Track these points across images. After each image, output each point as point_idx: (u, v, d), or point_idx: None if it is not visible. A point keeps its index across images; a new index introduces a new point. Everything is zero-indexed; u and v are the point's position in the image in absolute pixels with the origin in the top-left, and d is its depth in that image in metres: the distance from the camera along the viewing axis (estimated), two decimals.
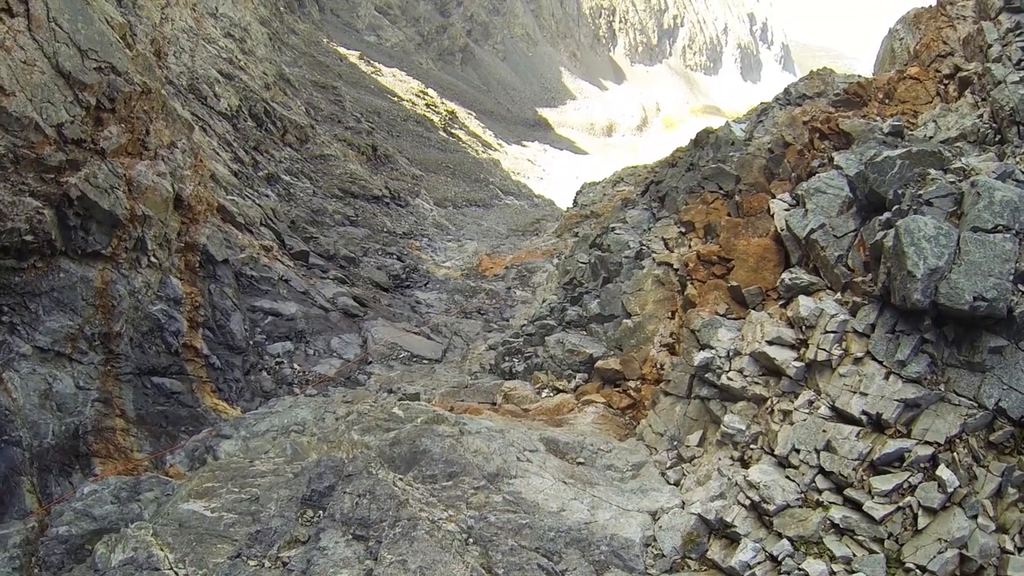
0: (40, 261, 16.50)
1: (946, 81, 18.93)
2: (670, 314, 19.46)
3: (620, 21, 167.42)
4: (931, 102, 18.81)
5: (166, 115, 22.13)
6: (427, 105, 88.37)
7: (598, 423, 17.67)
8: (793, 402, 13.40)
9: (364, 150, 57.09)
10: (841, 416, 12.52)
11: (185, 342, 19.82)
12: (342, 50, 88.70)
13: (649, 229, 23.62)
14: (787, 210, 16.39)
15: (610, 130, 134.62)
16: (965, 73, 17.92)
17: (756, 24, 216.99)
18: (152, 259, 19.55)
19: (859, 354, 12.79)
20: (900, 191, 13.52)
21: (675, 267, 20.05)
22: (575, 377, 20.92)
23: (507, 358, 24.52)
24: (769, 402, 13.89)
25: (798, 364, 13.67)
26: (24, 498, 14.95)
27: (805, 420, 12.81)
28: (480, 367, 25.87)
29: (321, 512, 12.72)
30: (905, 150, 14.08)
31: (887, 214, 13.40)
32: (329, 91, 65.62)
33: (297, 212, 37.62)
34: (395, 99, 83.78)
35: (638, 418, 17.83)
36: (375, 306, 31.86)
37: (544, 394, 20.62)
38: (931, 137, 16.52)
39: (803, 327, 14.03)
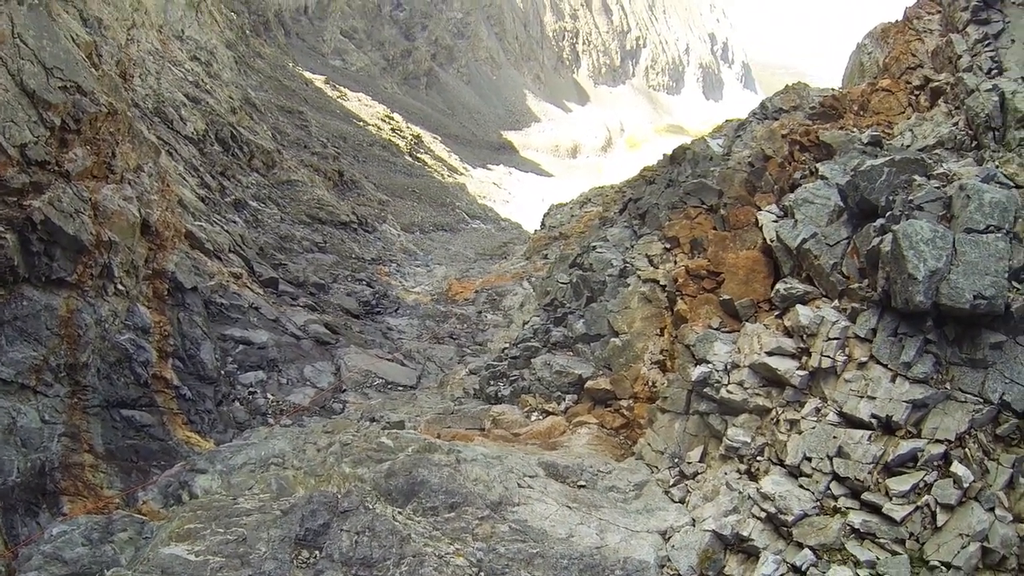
0: (2, 288, 15.67)
1: (917, 92, 19.57)
2: (659, 331, 19.40)
3: (583, 43, 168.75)
4: (904, 112, 19.46)
5: (132, 138, 21.42)
6: (393, 130, 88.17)
7: (593, 444, 17.52)
8: (799, 411, 13.46)
9: (331, 175, 56.53)
10: (850, 421, 12.58)
11: (155, 373, 18.97)
12: (308, 74, 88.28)
13: (632, 247, 23.49)
14: (775, 221, 16.48)
15: (575, 151, 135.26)
16: (936, 83, 18.53)
17: (717, 44, 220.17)
18: (119, 286, 18.71)
19: (863, 359, 12.95)
20: (891, 197, 13.84)
21: (662, 283, 19.99)
22: (564, 399, 20.66)
23: (492, 382, 24.06)
24: (773, 413, 13.95)
25: (801, 373, 13.72)
26: None
27: (814, 428, 12.84)
28: (463, 392, 25.28)
29: (317, 552, 12.07)
30: (889, 158, 14.41)
31: (880, 220, 13.61)
32: (295, 116, 65.03)
33: (265, 238, 36.89)
34: (361, 124, 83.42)
35: (633, 437, 17.78)
36: (347, 333, 31.21)
37: (534, 417, 20.26)
38: (908, 145, 16.98)
39: (803, 336, 14.09)
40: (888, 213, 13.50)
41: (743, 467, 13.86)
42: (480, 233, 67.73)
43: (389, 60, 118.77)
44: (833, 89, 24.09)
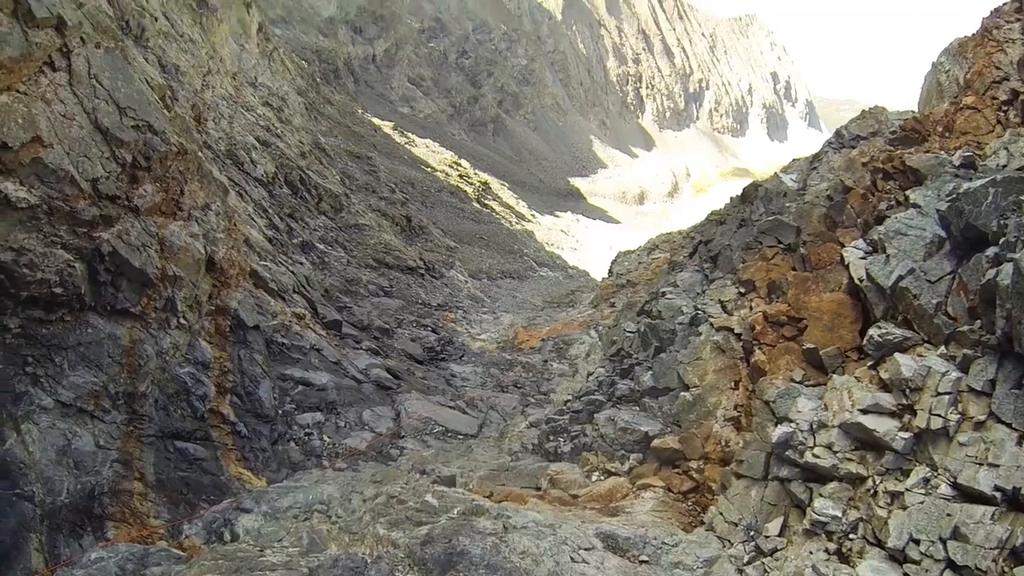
0: (68, 315, 15.83)
1: (1005, 107, 17.85)
2: (733, 384, 17.91)
3: (647, 87, 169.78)
4: (993, 130, 17.64)
5: (201, 177, 21.69)
6: (460, 176, 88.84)
7: (658, 511, 15.91)
8: (903, 481, 11.56)
9: (398, 220, 56.92)
10: (967, 495, 10.64)
11: (212, 407, 18.94)
12: (376, 121, 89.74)
13: (703, 292, 22.22)
14: (863, 258, 14.89)
15: (641, 198, 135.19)
16: None
17: (779, 82, 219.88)
18: (182, 321, 18.83)
19: (981, 417, 11.02)
20: (1003, 222, 11.91)
21: (737, 331, 18.55)
22: (628, 458, 19.19)
23: (551, 437, 22.64)
24: (869, 482, 12.05)
25: (905, 435, 11.81)
26: (31, 556, 13.96)
27: (922, 503, 10.90)
28: (521, 446, 24.21)
29: None
30: (990, 179, 12.55)
31: (993, 249, 11.79)
32: (364, 161, 65.88)
33: (331, 281, 37.04)
34: (429, 170, 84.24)
35: (702, 503, 16.20)
36: (409, 378, 30.91)
37: (594, 478, 18.88)
38: (1005, 165, 14.88)
39: (905, 390, 12.21)
40: (1002, 240, 11.57)
41: (832, 546, 11.96)
42: (547, 281, 67.33)
43: (456, 107, 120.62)
44: (913, 112, 22.64)
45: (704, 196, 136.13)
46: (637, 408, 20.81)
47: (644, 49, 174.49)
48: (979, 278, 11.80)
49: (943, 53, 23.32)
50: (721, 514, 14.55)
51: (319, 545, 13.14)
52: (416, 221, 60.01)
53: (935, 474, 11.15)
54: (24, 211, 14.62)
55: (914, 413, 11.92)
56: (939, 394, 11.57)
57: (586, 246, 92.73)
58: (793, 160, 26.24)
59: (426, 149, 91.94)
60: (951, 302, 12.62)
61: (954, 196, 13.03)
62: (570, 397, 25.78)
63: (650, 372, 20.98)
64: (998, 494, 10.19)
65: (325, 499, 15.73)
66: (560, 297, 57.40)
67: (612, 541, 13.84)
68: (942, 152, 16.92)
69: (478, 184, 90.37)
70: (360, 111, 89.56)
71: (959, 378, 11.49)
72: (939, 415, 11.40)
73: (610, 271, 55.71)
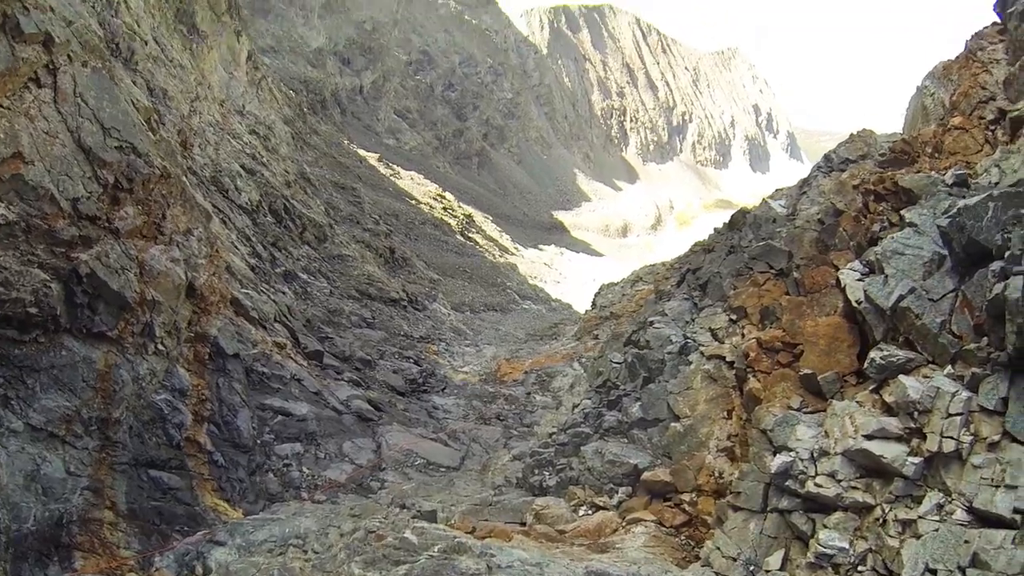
0: (43, 336, 15.46)
1: (992, 127, 17.65)
2: (726, 413, 17.51)
3: (631, 120, 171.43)
4: (981, 150, 17.37)
5: (184, 201, 21.41)
6: (444, 208, 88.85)
7: (650, 546, 15.22)
8: (914, 508, 10.95)
9: (382, 252, 56.73)
10: (985, 520, 10.10)
11: (188, 436, 18.47)
12: (362, 152, 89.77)
13: (692, 320, 21.67)
14: (860, 279, 14.36)
15: (625, 230, 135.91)
16: (1016, 113, 16.27)
17: (761, 115, 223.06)
18: (159, 346, 18.43)
19: (995, 437, 10.46)
20: (1006, 236, 11.52)
21: (729, 359, 18.17)
22: (617, 491, 18.61)
23: (536, 471, 22.04)
24: (878, 511, 11.45)
25: (915, 460, 11.22)
26: None
27: (937, 530, 10.33)
28: (505, 480, 23.57)
29: None
30: (987, 194, 12.22)
31: (998, 263, 11.27)
32: (348, 192, 65.71)
33: (313, 311, 36.64)
34: (413, 202, 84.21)
35: (696, 537, 15.63)
36: (390, 410, 30.49)
37: (582, 512, 18.24)
38: (997, 183, 14.42)
39: (913, 413, 11.63)
40: (1007, 253, 11.13)
41: None
42: (531, 313, 67.21)
43: (441, 140, 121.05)
44: (901, 134, 22.58)
45: (687, 228, 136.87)
46: (625, 440, 20.26)
47: (628, 83, 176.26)
48: (984, 294, 11.43)
49: (927, 77, 23.30)
50: (718, 548, 13.91)
51: None
52: (399, 253, 59.81)
53: (949, 499, 10.63)
54: (1, 228, 14.33)
55: (923, 437, 11.42)
56: (950, 415, 11.09)
57: (569, 279, 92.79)
58: (777, 189, 25.93)
59: (411, 181, 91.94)
60: (955, 320, 12.19)
61: (954, 212, 12.64)
62: (555, 429, 25.29)
63: (638, 403, 20.45)
64: (1018, 517, 9.74)
65: (301, 533, 15.22)
66: (543, 330, 57.30)
67: None
68: (933, 172, 16.71)
69: (462, 217, 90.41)
70: (346, 142, 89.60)
71: (969, 398, 11.04)
72: (951, 437, 10.91)
73: (593, 303, 55.62)
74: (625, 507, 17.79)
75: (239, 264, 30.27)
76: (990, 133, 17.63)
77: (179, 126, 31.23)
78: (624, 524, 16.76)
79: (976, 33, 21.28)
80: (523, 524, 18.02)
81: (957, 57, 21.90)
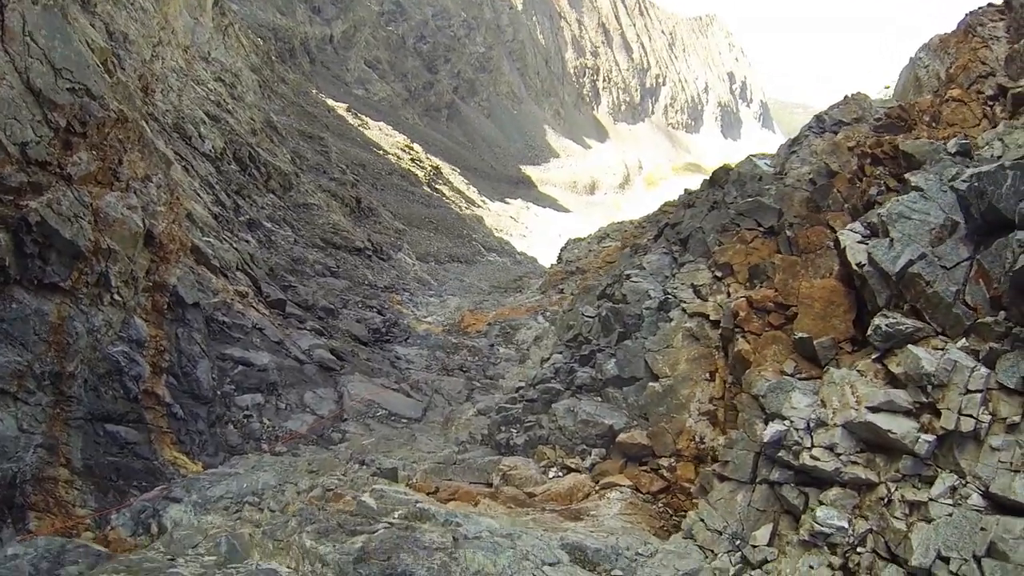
0: None
1: (991, 102, 17.54)
2: (708, 375, 16.73)
3: (604, 80, 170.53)
4: (979, 124, 17.09)
5: (143, 147, 20.82)
6: (412, 160, 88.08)
7: (627, 514, 14.40)
8: (924, 489, 10.32)
9: (348, 202, 56.10)
10: (1002, 506, 9.53)
11: (146, 388, 18.10)
12: (330, 102, 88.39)
13: (673, 276, 20.77)
14: (862, 242, 13.61)
15: (593, 188, 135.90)
16: (1020, 90, 16.04)
17: (736, 83, 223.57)
18: (116, 297, 17.94)
19: (1015, 418, 9.87)
20: None
21: (712, 318, 17.45)
22: (590, 453, 17.67)
23: (503, 428, 20.94)
24: (882, 489, 10.82)
25: (928, 438, 10.56)
26: None
27: (951, 515, 9.72)
28: (469, 436, 22.83)
29: None
30: (1003, 163, 11.71)
31: (1022, 233, 10.66)
32: (316, 141, 64.72)
33: (277, 260, 36.19)
34: (381, 152, 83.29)
35: (674, 505, 14.94)
36: (353, 360, 30.30)
37: (552, 474, 17.37)
38: (1000, 156, 13.78)
39: (927, 387, 10.93)
40: None
41: (836, 560, 10.67)
42: (495, 266, 67.22)
43: (411, 91, 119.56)
44: (897, 101, 22.47)
45: (656, 189, 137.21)
46: (599, 399, 19.35)
47: (603, 43, 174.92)
48: (1003, 264, 10.86)
49: (922, 48, 23.41)
50: (702, 520, 13.15)
51: (238, 553, 11.70)
52: (366, 203, 59.25)
53: (963, 482, 10.03)
54: None
55: (935, 412, 10.77)
56: (969, 392, 10.41)
57: (535, 233, 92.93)
58: (750, 156, 25.51)
59: (379, 132, 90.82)
60: (969, 290, 11.54)
61: (973, 177, 11.92)
62: (523, 384, 24.32)
63: (613, 360, 19.43)
64: None
65: (259, 489, 14.87)
66: (508, 282, 57.39)
67: (580, 553, 12.25)
68: (934, 140, 16.27)
69: (429, 168, 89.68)
70: (314, 91, 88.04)
71: (988, 375, 10.43)
72: (970, 416, 10.23)
73: (559, 258, 55.74)
74: (599, 470, 17.03)
75: (201, 212, 29.71)
76: (988, 108, 17.46)
77: (140, 71, 30.30)
78: (598, 488, 16.06)
79: (976, 10, 21.31)
80: (490, 485, 17.24)
81: (955, 31, 21.95)
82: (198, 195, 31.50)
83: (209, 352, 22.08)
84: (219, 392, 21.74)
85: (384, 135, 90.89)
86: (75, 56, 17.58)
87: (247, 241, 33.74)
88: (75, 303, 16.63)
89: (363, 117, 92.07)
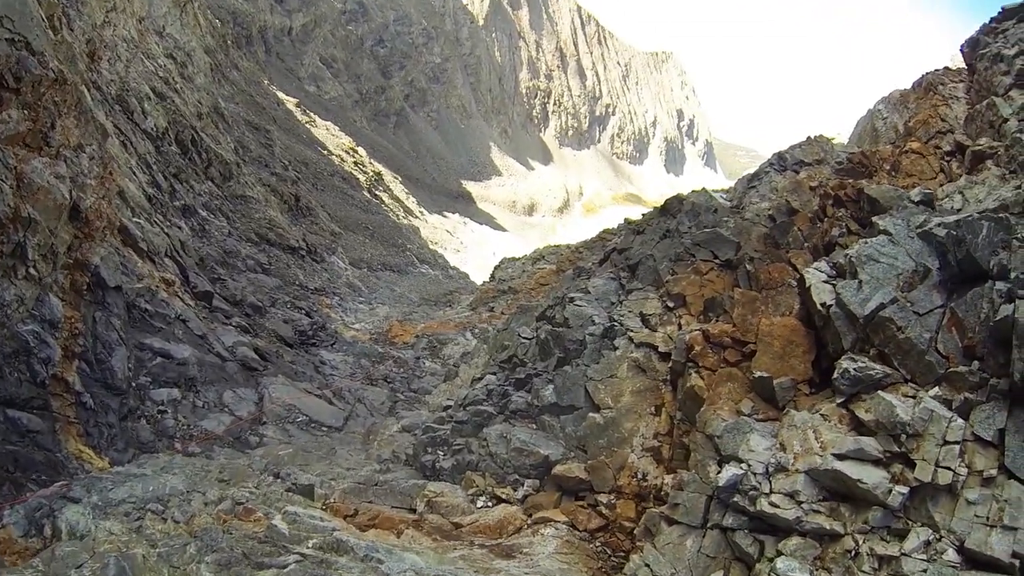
0: None
1: (948, 157, 17.91)
2: (654, 409, 16.00)
3: (554, 104, 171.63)
4: (935, 177, 17.30)
5: (80, 114, 19.50)
6: (355, 163, 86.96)
7: (563, 553, 13.45)
8: (894, 542, 9.90)
9: (287, 198, 54.92)
10: (978, 563, 9.25)
11: (55, 373, 16.77)
12: (281, 95, 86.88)
13: (620, 302, 19.89)
14: (827, 282, 13.20)
15: (531, 209, 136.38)
16: (979, 148, 16.38)
17: (684, 120, 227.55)
18: (31, 271, 16.57)
19: (991, 471, 9.56)
20: (1005, 258, 10.85)
21: (661, 350, 16.74)
22: (523, 484, 16.70)
23: (429, 449, 19.93)
24: (848, 541, 10.27)
25: (902, 490, 10.06)
26: None
27: (925, 571, 9.33)
28: (392, 454, 21.71)
29: None
30: (977, 213, 11.65)
31: (1001, 284, 10.53)
32: (261, 133, 63.20)
33: (208, 250, 34.84)
34: (325, 152, 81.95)
35: (613, 545, 14.10)
36: (277, 362, 29.20)
37: (480, 503, 16.38)
38: (960, 208, 13.86)
39: (900, 436, 10.46)
40: (1013, 275, 10.43)
41: None
42: (427, 278, 66.59)
43: (363, 94, 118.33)
44: (857, 147, 23.19)
45: (594, 216, 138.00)
46: (535, 426, 18.43)
47: (558, 67, 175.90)
48: (977, 314, 10.77)
49: (881, 101, 24.42)
50: (647, 566, 12.28)
51: None
52: (305, 202, 57.97)
53: (938, 536, 9.69)
54: None
55: (907, 463, 10.38)
56: (947, 443, 10.08)
57: (470, 249, 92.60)
58: (704, 188, 25.19)
59: (326, 131, 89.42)
60: (942, 338, 11.27)
61: (951, 224, 11.83)
62: (451, 403, 23.01)
63: (551, 386, 18.56)
64: (1016, 561, 9.02)
65: (164, 495, 13.50)
66: (439, 295, 56.92)
67: None
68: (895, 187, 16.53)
69: (372, 173, 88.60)
70: (266, 82, 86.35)
71: (963, 425, 10.19)
72: (948, 468, 9.90)
73: (492, 276, 55.53)
74: (531, 502, 16.13)
75: (134, 191, 28.29)
76: (945, 162, 17.79)
77: (88, 34, 28.85)
78: (530, 523, 15.16)
79: (936, 70, 22.43)
80: (413, 511, 16.21)
81: (914, 87, 22.94)
82: (133, 173, 30.07)
83: (127, 340, 20.78)
84: (134, 384, 20.46)
85: (330, 135, 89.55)
86: (18, 5, 16.34)
87: (179, 227, 32.34)
88: None
89: (312, 114, 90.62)
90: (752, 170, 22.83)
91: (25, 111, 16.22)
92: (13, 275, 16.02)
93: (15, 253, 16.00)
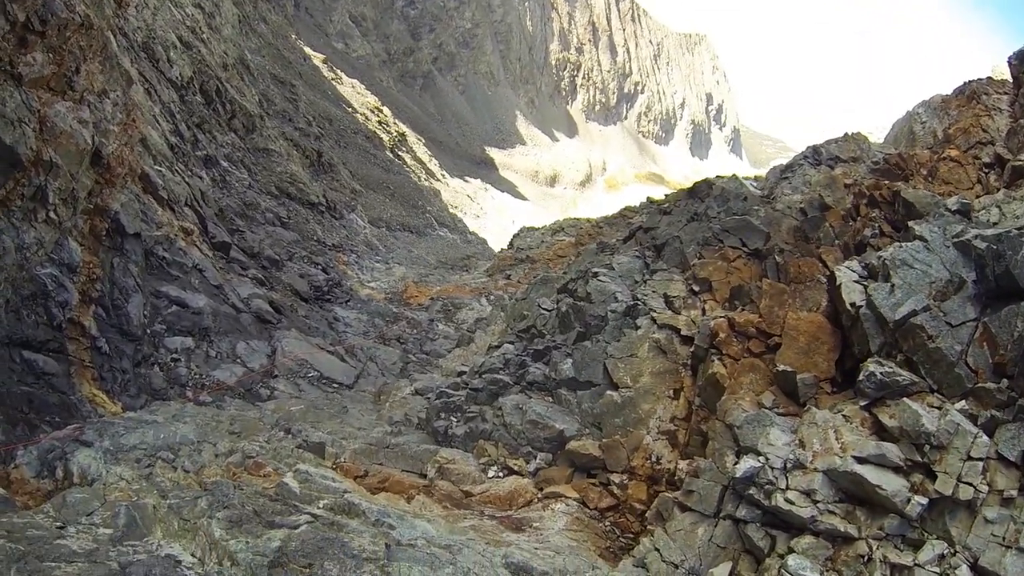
0: None
1: (986, 169, 17.63)
2: (672, 392, 15.84)
3: (583, 77, 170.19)
4: (972, 187, 17.09)
5: (105, 60, 19.48)
6: (379, 122, 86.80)
7: (573, 530, 13.31)
8: (908, 552, 9.81)
9: (309, 154, 54.84)
10: None
11: (72, 317, 16.90)
12: (308, 50, 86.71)
13: (644, 281, 19.65)
14: (858, 282, 13.08)
15: (553, 181, 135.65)
16: (1019, 163, 15.90)
17: (712, 104, 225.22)
18: (51, 215, 16.62)
19: (1011, 492, 9.47)
20: None
21: (684, 333, 16.61)
22: (536, 456, 16.50)
23: (443, 415, 19.44)
24: (861, 545, 10.10)
25: (921, 500, 9.94)
26: None
27: None
28: (404, 417, 21.35)
29: None
30: (1019, 230, 11.31)
31: None
32: (287, 87, 63.08)
33: (228, 201, 34.92)
34: (349, 110, 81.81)
35: (623, 525, 13.98)
36: (291, 315, 29.33)
37: (491, 473, 16.16)
38: (996, 223, 13.52)
39: (925, 446, 10.36)
40: None
41: None
42: (445, 241, 66.71)
43: (391, 54, 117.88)
44: (893, 148, 23.04)
45: (616, 192, 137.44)
46: (551, 399, 18.13)
47: (590, 40, 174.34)
48: (1011, 332, 10.56)
49: (921, 105, 24.10)
50: (658, 551, 12.04)
51: (138, 528, 10.10)
52: (327, 158, 57.95)
53: (952, 551, 9.57)
54: None
55: (929, 473, 10.22)
56: (971, 459, 9.91)
57: (490, 216, 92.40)
58: (717, 177, 24.93)
59: (351, 89, 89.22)
60: (972, 352, 11.03)
61: (992, 238, 11.51)
62: (466, 369, 22.74)
63: (570, 360, 18.33)
64: None
65: (175, 443, 13.60)
66: (455, 259, 57.00)
67: (525, 575, 10.92)
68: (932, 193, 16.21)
69: (395, 134, 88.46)
70: (294, 36, 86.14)
71: (988, 443, 10.03)
72: (970, 484, 9.76)
73: (511, 244, 55.54)
74: (543, 476, 15.94)
75: (156, 139, 28.34)
76: (983, 173, 17.53)
77: None
78: (541, 496, 15.00)
79: (980, 79, 22.40)
80: (424, 477, 16.00)
81: (956, 94, 22.84)
82: (156, 121, 30.09)
83: (144, 287, 20.94)
84: (149, 331, 20.63)
85: (356, 93, 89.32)
86: None
87: (200, 177, 32.42)
88: (7, 215, 15.33)
89: (338, 72, 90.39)
90: (784, 161, 22.63)
91: (50, 54, 16.18)
92: (33, 218, 16.10)
93: (36, 196, 16.06)
